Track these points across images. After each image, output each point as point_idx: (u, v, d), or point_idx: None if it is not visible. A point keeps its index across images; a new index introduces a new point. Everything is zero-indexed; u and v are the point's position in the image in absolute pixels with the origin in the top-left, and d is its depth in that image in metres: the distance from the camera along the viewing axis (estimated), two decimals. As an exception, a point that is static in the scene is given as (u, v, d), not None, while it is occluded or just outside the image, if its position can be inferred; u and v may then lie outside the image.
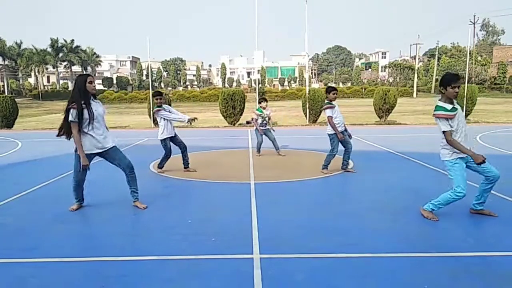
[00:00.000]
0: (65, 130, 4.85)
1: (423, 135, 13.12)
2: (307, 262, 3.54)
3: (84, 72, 70.23)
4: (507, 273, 3.27)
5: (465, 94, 16.61)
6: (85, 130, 4.76)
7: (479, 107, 18.92)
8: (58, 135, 4.93)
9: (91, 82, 4.79)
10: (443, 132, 4.38)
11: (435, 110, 4.43)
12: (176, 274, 3.35)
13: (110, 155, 5.02)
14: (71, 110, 4.68)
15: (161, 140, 7.25)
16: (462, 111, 16.91)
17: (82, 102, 4.70)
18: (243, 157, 9.20)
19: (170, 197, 5.86)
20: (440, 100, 4.46)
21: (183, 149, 7.40)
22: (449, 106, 4.35)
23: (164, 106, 7.23)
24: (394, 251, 3.73)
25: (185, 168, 7.46)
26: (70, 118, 4.68)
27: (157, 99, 7.21)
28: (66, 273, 3.42)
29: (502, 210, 4.89)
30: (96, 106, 4.86)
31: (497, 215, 4.66)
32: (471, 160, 4.41)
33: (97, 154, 4.93)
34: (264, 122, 9.19)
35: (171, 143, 7.31)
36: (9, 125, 17.29)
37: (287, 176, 7.04)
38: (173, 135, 7.30)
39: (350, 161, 7.47)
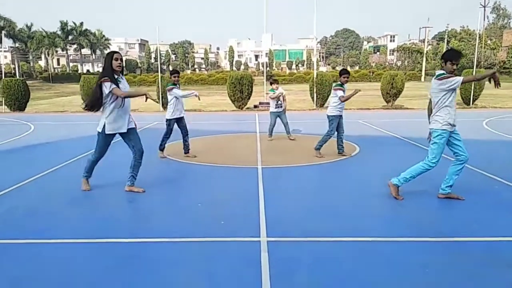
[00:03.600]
0: (95, 104, 4.93)
1: (430, 120, 13.09)
2: (313, 245, 3.67)
3: (94, 55, 70.78)
4: (507, 257, 3.37)
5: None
6: (112, 108, 4.87)
7: (487, 91, 18.72)
8: (91, 110, 4.97)
9: (116, 59, 4.85)
10: (452, 88, 4.51)
11: (439, 75, 4.58)
12: (186, 256, 3.50)
13: (129, 135, 5.14)
14: (104, 83, 4.77)
15: (167, 120, 7.30)
16: (469, 96, 16.85)
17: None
18: (250, 141, 9.32)
19: (179, 181, 6.01)
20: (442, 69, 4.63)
21: (185, 134, 7.44)
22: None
23: (177, 85, 7.31)
24: (398, 235, 3.84)
25: (185, 153, 7.50)
26: (107, 91, 4.77)
27: (175, 77, 7.29)
28: (79, 253, 3.59)
29: (505, 196, 5.00)
30: (124, 84, 4.96)
31: (464, 199, 4.78)
32: (456, 132, 4.68)
33: (119, 133, 5.05)
34: (280, 102, 9.21)
35: (175, 126, 7.37)
36: (21, 107, 17.55)
37: (294, 160, 7.15)
38: (182, 116, 7.38)
39: (355, 145, 7.56)
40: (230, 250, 3.60)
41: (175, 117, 7.28)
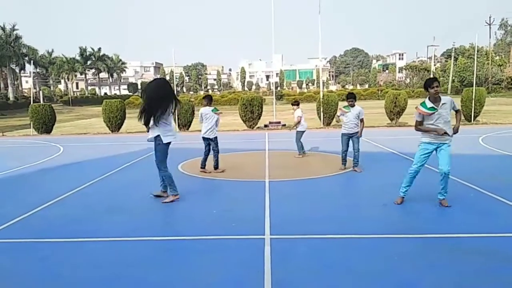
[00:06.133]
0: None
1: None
2: (308, 241, 4.56)
3: (111, 78, 73.19)
4: (467, 249, 4.21)
5: (474, 97, 17.21)
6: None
7: (492, 107, 19.36)
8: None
9: None
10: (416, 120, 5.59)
11: (420, 104, 5.57)
12: (207, 248, 4.45)
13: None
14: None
15: (214, 139, 8.35)
16: (471, 113, 17.43)
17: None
18: (260, 158, 10.27)
19: (198, 193, 6.96)
20: (428, 99, 5.51)
21: (208, 152, 8.46)
22: (429, 105, 5.41)
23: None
24: (378, 233, 4.71)
25: (201, 168, 8.48)
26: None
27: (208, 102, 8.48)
28: (124, 248, 4.54)
29: (476, 202, 5.85)
30: None
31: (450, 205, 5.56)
32: (442, 147, 5.52)
33: None
34: (303, 123, 10.15)
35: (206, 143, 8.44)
36: (48, 130, 18.90)
37: (298, 175, 8.05)
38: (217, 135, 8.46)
39: (350, 160, 8.43)
40: (241, 244, 4.51)
41: (215, 135, 8.37)
